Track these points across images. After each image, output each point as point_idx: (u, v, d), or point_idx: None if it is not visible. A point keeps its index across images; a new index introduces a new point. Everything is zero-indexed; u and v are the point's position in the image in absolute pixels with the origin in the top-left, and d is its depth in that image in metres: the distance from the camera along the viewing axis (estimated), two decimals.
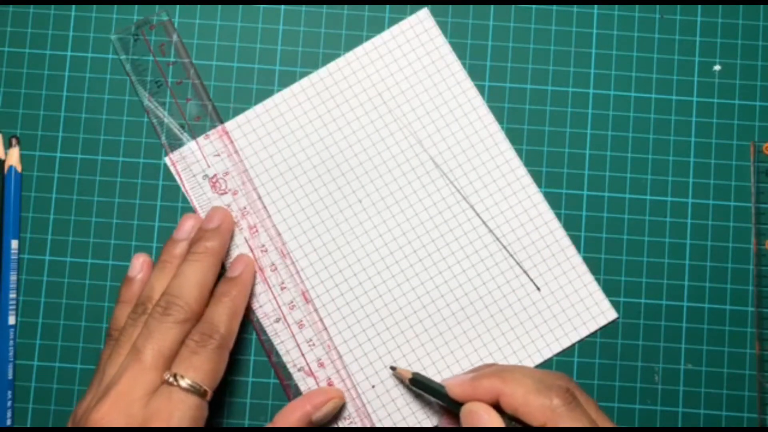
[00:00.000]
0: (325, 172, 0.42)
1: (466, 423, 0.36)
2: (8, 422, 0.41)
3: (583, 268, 0.42)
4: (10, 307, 0.42)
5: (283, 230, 0.42)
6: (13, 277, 0.42)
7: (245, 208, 0.42)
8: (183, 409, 0.36)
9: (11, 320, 0.42)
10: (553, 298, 0.42)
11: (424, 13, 0.43)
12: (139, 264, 0.41)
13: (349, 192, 0.42)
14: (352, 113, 0.42)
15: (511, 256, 0.42)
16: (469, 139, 0.42)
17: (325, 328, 0.41)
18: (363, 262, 0.42)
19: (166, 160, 0.42)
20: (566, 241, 0.42)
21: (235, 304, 0.39)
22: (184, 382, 0.36)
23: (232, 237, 0.41)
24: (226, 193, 0.42)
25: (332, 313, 0.42)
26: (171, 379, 0.36)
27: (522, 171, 0.42)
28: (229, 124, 0.42)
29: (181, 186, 0.42)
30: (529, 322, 0.42)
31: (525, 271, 0.42)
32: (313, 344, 0.41)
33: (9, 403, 0.41)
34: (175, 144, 0.42)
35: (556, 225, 0.42)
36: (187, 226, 0.41)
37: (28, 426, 0.41)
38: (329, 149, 0.42)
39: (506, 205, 0.42)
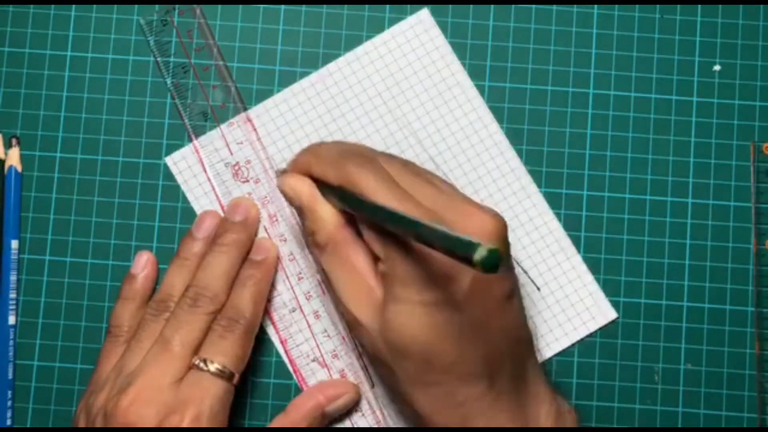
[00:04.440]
0: None
1: (282, 193, 0.38)
2: (8, 422, 0.41)
3: (583, 268, 0.42)
4: (10, 307, 0.42)
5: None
6: (13, 277, 0.42)
7: (266, 197, 0.42)
8: (214, 393, 0.36)
9: (11, 320, 0.42)
10: (553, 298, 0.42)
11: (424, 13, 0.43)
12: (143, 261, 0.41)
13: None
14: (352, 113, 0.42)
15: (511, 256, 0.42)
16: (469, 139, 0.42)
17: (341, 319, 0.41)
18: None
19: (180, 152, 0.42)
20: (566, 242, 0.42)
21: (259, 288, 0.39)
22: (213, 367, 0.37)
23: (257, 227, 0.42)
24: (247, 181, 0.42)
25: None
26: (201, 364, 0.37)
27: (522, 171, 0.42)
28: (250, 113, 0.42)
29: (203, 173, 0.42)
30: (529, 322, 0.42)
31: (525, 271, 0.42)
32: (328, 335, 0.41)
33: (9, 403, 0.41)
34: (199, 131, 0.42)
35: (556, 225, 0.42)
36: (206, 224, 0.41)
37: (28, 426, 0.41)
38: None
39: (506, 205, 0.42)
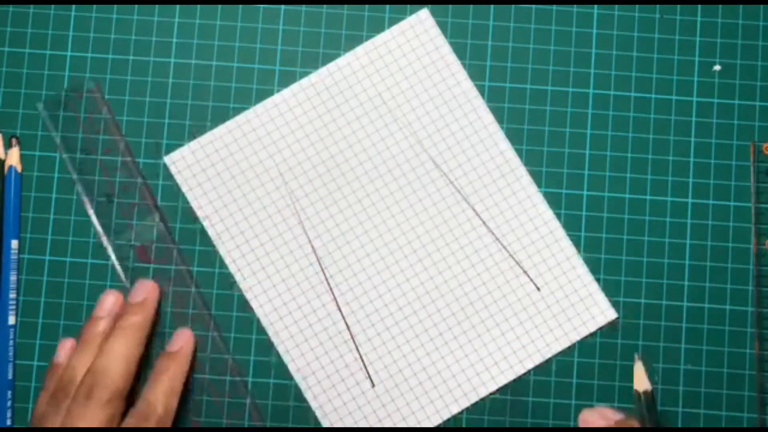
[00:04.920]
0: (325, 172, 0.42)
1: None
2: (8, 422, 0.41)
3: (583, 269, 0.42)
4: (10, 307, 0.42)
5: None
6: (13, 277, 0.42)
7: (170, 279, 0.41)
8: None
9: (11, 320, 0.42)
10: (553, 298, 0.42)
11: (424, 13, 0.43)
12: (65, 350, 0.40)
13: (348, 192, 0.42)
14: (352, 113, 0.42)
15: (511, 256, 0.42)
16: (469, 139, 0.42)
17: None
18: (363, 262, 0.42)
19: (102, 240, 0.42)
20: (566, 242, 0.42)
21: (173, 383, 0.38)
22: None
23: (158, 310, 0.41)
24: (151, 261, 0.41)
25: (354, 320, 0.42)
26: None
27: (522, 171, 0.42)
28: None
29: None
30: (529, 322, 0.42)
31: (525, 271, 0.42)
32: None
33: (9, 403, 0.41)
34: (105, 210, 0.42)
35: (556, 225, 0.42)
36: (107, 303, 0.40)
37: (28, 426, 0.41)
38: (329, 149, 0.42)
39: (506, 205, 0.42)
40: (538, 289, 0.42)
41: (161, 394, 0.38)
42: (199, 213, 0.42)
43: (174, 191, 0.42)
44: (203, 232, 0.42)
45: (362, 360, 0.41)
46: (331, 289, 0.42)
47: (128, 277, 0.41)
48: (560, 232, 0.42)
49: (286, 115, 0.42)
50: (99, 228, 0.41)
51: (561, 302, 0.42)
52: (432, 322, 0.42)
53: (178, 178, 0.42)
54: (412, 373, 0.41)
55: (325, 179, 0.42)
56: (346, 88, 0.43)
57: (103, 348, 0.38)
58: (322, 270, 0.42)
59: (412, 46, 0.43)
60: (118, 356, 0.37)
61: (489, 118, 0.43)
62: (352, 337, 0.41)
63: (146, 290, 0.40)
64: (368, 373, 0.41)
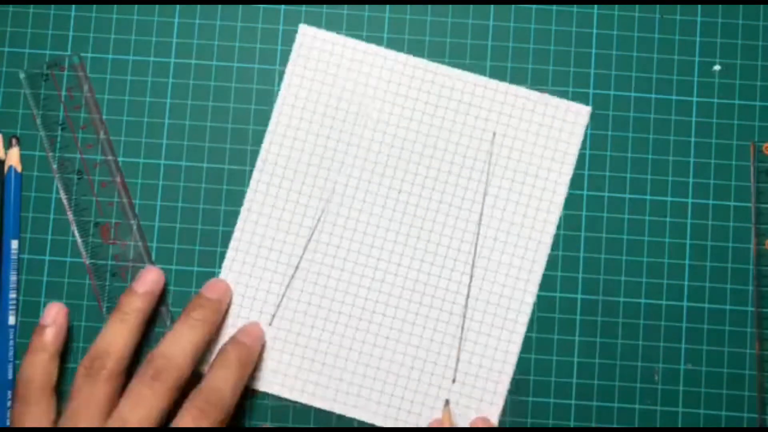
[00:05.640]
0: (398, 153, 0.42)
1: None
2: (8, 422, 0.41)
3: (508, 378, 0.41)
4: (10, 307, 0.42)
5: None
6: (13, 277, 0.42)
7: (129, 262, 0.41)
8: None
9: (11, 320, 0.42)
10: (459, 394, 0.41)
11: (586, 109, 0.42)
12: (53, 313, 0.40)
13: (391, 184, 0.42)
14: (457, 126, 0.42)
15: (462, 336, 0.41)
16: (524, 217, 0.42)
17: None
18: (359, 256, 0.42)
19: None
20: (512, 358, 0.41)
21: (243, 373, 0.38)
22: None
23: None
24: (115, 243, 0.42)
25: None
26: None
27: (531, 295, 0.42)
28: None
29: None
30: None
31: (458, 360, 0.41)
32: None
33: (9, 403, 0.41)
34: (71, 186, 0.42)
35: (515, 349, 0.41)
36: (148, 278, 0.40)
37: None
38: (415, 142, 0.42)
39: (511, 283, 0.42)
40: (453, 381, 0.41)
41: (232, 384, 0.37)
42: (279, 102, 0.42)
43: (174, 191, 0.42)
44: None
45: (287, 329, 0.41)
46: (317, 257, 0.42)
47: (88, 254, 0.41)
48: (514, 350, 0.41)
49: (412, 82, 0.42)
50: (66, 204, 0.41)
51: (462, 400, 0.41)
52: (371, 343, 0.41)
53: (299, 50, 0.42)
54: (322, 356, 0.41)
55: (389, 158, 0.42)
56: (476, 105, 0.42)
57: (173, 336, 0.38)
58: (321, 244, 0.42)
59: (551, 123, 0.42)
60: (187, 345, 0.37)
61: (553, 222, 0.42)
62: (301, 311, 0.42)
63: (222, 290, 0.40)
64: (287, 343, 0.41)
